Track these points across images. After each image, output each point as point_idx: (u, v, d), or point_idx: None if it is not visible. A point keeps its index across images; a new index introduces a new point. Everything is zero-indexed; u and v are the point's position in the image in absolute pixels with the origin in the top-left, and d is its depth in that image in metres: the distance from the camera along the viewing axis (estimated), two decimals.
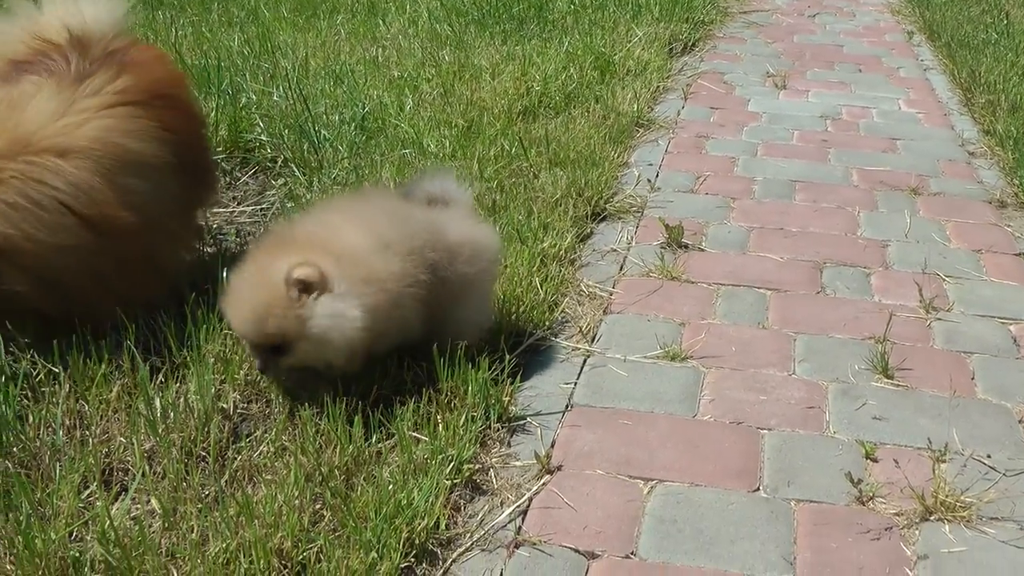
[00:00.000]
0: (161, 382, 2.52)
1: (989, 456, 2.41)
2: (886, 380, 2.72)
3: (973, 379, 2.76)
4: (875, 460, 2.38)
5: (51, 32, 2.81)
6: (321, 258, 2.31)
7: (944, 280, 3.34)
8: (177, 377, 2.55)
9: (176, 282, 2.85)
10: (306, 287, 2.27)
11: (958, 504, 2.21)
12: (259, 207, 3.75)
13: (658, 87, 5.43)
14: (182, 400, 2.41)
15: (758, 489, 2.28)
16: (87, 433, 2.32)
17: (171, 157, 2.70)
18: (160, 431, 2.30)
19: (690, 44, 6.56)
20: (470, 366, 2.50)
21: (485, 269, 2.67)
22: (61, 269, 2.47)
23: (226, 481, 2.20)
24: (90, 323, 2.55)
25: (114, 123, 2.60)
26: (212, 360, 2.56)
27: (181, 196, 2.78)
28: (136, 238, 2.58)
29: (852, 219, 3.81)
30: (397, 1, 7.15)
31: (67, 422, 2.35)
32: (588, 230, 3.59)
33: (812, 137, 4.82)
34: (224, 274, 2.78)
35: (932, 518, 2.19)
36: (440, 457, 2.24)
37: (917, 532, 2.16)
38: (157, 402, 2.38)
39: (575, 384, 2.67)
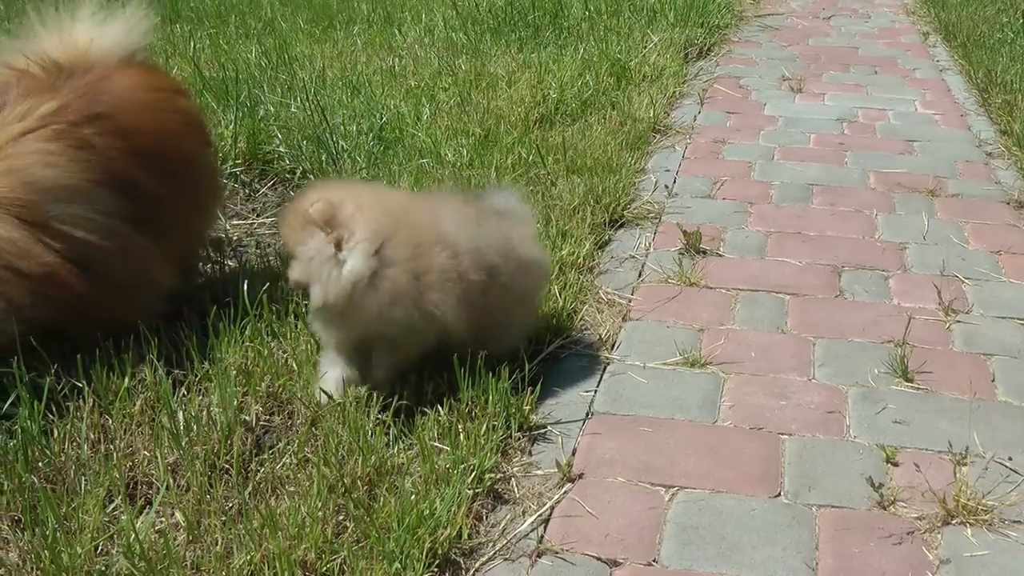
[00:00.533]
0: (184, 395, 2.54)
1: (1011, 459, 2.41)
2: (906, 384, 2.72)
3: (993, 381, 2.76)
4: (896, 464, 2.38)
5: (16, 58, 2.84)
6: (363, 211, 2.37)
7: (963, 282, 3.33)
8: (200, 390, 2.57)
9: (190, 293, 2.88)
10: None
11: (980, 507, 2.21)
12: (275, 219, 3.76)
13: (674, 92, 5.43)
14: (205, 413, 2.43)
15: (779, 495, 2.28)
16: (111, 447, 2.34)
17: (100, 175, 2.63)
18: (184, 444, 2.32)
19: (705, 49, 6.56)
20: (490, 375, 2.51)
21: (539, 285, 2.79)
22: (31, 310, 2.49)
23: (249, 493, 2.22)
24: (89, 337, 2.58)
25: (23, 150, 2.56)
26: (234, 372, 2.58)
27: (139, 212, 2.71)
28: (85, 266, 2.57)
29: (870, 222, 3.81)
30: (413, 10, 7.18)
31: (91, 436, 2.37)
32: (606, 237, 3.60)
33: (829, 140, 4.82)
34: (244, 286, 2.81)
35: (954, 522, 2.19)
36: (462, 467, 2.26)
37: (939, 536, 2.16)
38: (180, 415, 2.40)
39: (595, 392, 2.68)
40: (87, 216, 2.58)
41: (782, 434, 2.50)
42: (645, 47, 6.03)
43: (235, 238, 3.59)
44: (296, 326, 2.80)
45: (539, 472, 2.35)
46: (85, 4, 2.98)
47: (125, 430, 2.40)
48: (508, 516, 2.22)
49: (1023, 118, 4.87)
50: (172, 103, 2.98)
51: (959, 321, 3.08)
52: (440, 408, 2.48)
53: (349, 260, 2.34)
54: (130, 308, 2.68)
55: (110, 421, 2.42)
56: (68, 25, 2.93)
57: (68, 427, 2.37)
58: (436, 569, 2.02)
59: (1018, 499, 2.26)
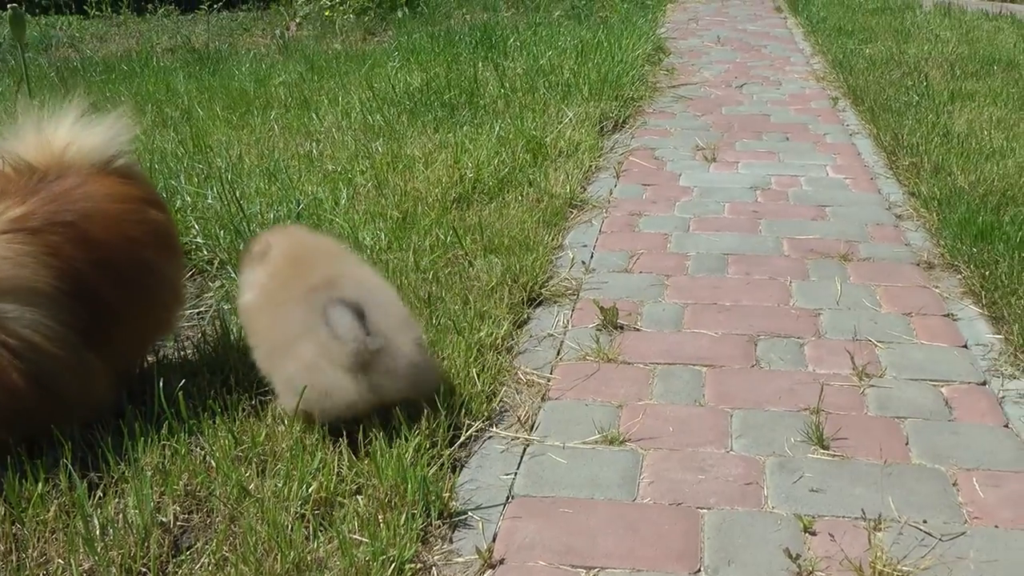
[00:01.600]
0: (100, 498, 2.51)
1: (925, 521, 2.44)
2: (822, 451, 2.76)
3: (907, 444, 2.80)
4: (813, 533, 2.41)
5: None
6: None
7: (876, 346, 3.39)
8: (116, 492, 2.54)
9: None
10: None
11: (896, 573, 2.24)
12: (196, 311, 3.75)
13: (590, 166, 5.51)
14: (121, 516, 2.40)
15: (699, 571, 2.29)
16: (24, 556, 2.30)
17: (61, 283, 2.61)
18: (99, 549, 2.28)
19: (620, 121, 6.67)
20: (408, 462, 2.51)
21: None
22: None
23: None
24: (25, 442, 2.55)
25: None
26: (150, 473, 2.55)
27: (94, 325, 2.68)
28: (32, 372, 2.54)
29: (784, 289, 3.88)
30: (330, 94, 7.23)
31: (2, 547, 2.32)
32: (524, 316, 3.62)
33: (743, 209, 4.90)
34: (160, 383, 2.79)
35: None
36: (382, 559, 2.25)
37: None
38: (96, 519, 2.37)
39: (515, 474, 2.68)
40: (44, 322, 2.56)
41: (701, 508, 2.52)
42: (560, 122, 6.12)
43: None
44: (214, 422, 2.78)
45: (460, 560, 2.34)
46: (71, 108, 2.99)
47: (38, 538, 2.36)
48: None
49: (929, 179, 5.01)
50: (141, 214, 2.94)
51: (873, 385, 3.13)
52: (359, 498, 2.47)
53: None
54: (62, 421, 2.63)
55: (23, 529, 2.38)
56: (48, 127, 2.94)
57: None
58: None
59: (932, 562, 2.29)
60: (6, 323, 2.51)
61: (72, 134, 2.94)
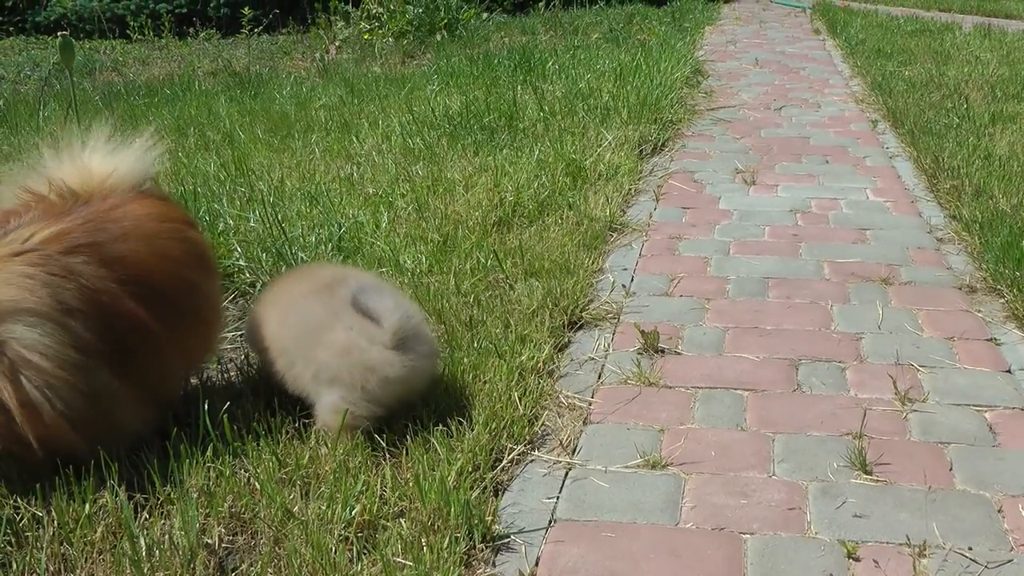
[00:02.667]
0: (146, 519, 2.54)
1: (970, 548, 2.43)
2: (865, 476, 2.75)
3: (951, 470, 2.79)
4: (857, 559, 2.40)
5: (39, 184, 2.88)
6: None
7: (918, 370, 3.38)
8: (162, 513, 2.56)
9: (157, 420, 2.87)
10: None
11: None
12: (240, 332, 3.77)
13: (630, 190, 5.52)
14: (167, 537, 2.42)
15: None
16: None
17: (78, 305, 2.60)
18: (146, 570, 2.31)
19: (659, 144, 6.68)
20: (451, 486, 2.53)
21: None
22: None
23: None
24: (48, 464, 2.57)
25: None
26: (196, 494, 2.58)
27: (121, 347, 2.68)
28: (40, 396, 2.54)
29: (825, 313, 3.87)
30: (370, 117, 7.28)
31: (51, 567, 2.35)
32: (565, 340, 3.63)
33: (783, 232, 4.90)
34: (205, 406, 2.82)
35: None
36: None
37: None
38: (142, 541, 2.39)
39: (557, 498, 2.69)
40: (44, 342, 2.54)
41: (744, 533, 2.52)
42: (600, 145, 6.14)
43: None
44: (258, 444, 2.80)
45: None
46: (97, 134, 3.03)
47: (86, 559, 2.39)
48: None
49: (970, 203, 4.98)
50: (180, 233, 2.96)
51: (915, 410, 3.12)
52: (402, 521, 2.49)
53: None
54: (84, 446, 2.62)
55: (71, 550, 2.41)
56: (81, 154, 2.98)
57: (27, 558, 2.36)
58: None
59: None
60: (12, 346, 2.51)
61: (106, 159, 2.98)
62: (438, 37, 11.99)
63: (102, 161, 2.97)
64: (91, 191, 2.89)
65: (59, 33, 4.88)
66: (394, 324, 2.76)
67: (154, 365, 2.82)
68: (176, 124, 7.28)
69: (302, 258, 4.22)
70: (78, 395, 2.58)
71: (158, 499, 2.61)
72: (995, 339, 3.61)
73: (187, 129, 7.08)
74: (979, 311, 3.86)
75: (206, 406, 2.82)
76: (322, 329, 2.84)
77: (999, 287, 4.01)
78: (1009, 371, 3.37)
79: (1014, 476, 2.74)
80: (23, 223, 2.70)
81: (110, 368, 2.65)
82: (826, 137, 7.04)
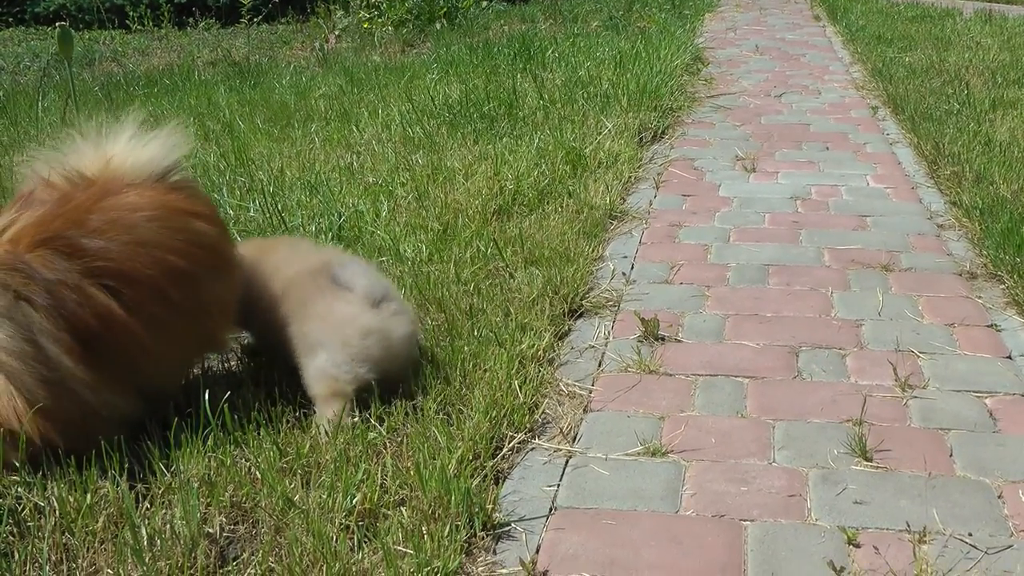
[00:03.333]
0: (147, 508, 2.54)
1: (970, 534, 2.43)
2: (865, 463, 2.75)
3: (951, 456, 2.79)
4: (857, 546, 2.40)
5: (52, 173, 2.89)
6: None
7: (919, 357, 3.38)
8: (163, 503, 2.57)
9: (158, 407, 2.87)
10: None
11: None
12: None
13: (629, 178, 5.51)
14: (168, 527, 2.43)
15: None
16: (74, 566, 2.33)
17: (40, 298, 2.61)
18: (147, 560, 2.31)
19: (659, 132, 6.67)
20: (452, 474, 2.53)
21: None
22: None
23: None
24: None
25: None
26: (197, 484, 2.58)
27: (94, 338, 2.67)
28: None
29: (826, 300, 3.87)
30: (370, 106, 7.27)
31: (53, 557, 2.36)
32: (566, 328, 3.63)
33: (783, 219, 4.89)
34: (206, 395, 2.82)
35: None
36: (426, 570, 2.26)
37: None
38: (143, 530, 2.39)
39: (558, 486, 2.69)
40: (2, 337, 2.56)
41: (744, 520, 2.52)
42: (600, 133, 6.13)
43: None
44: (259, 433, 2.81)
45: (503, 571, 2.36)
46: (127, 121, 3.03)
47: (88, 548, 2.39)
48: None
49: (971, 189, 4.98)
50: (180, 223, 2.93)
51: (916, 397, 3.12)
52: (403, 510, 2.49)
53: None
54: (66, 438, 2.62)
55: (72, 539, 2.41)
56: (105, 140, 2.99)
57: (29, 548, 2.36)
58: None
59: (978, 575, 2.28)
60: None
61: (127, 148, 2.98)
62: (437, 26, 11.97)
63: (123, 149, 2.97)
64: (101, 176, 2.88)
65: (58, 24, 4.88)
66: (365, 286, 2.99)
67: (133, 354, 2.78)
68: (176, 114, 7.26)
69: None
70: (40, 383, 2.57)
71: (159, 489, 2.61)
72: (995, 325, 3.61)
73: (187, 119, 7.06)
74: (979, 297, 3.86)
75: (207, 395, 2.82)
76: (308, 303, 3.03)
77: (1000, 273, 4.01)
78: (1010, 357, 3.37)
79: (1014, 462, 2.74)
80: (18, 207, 2.73)
81: (74, 356, 2.64)
82: (826, 124, 7.03)
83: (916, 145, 6.16)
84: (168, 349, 2.92)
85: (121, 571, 2.29)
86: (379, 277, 3.17)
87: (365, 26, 11.97)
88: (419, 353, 3.21)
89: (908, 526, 2.46)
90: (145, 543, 2.36)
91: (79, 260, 2.68)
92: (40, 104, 7.73)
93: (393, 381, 3.02)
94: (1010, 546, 2.39)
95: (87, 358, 2.66)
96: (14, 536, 2.41)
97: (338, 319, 2.96)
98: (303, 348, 2.99)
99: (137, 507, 2.51)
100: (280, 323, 3.07)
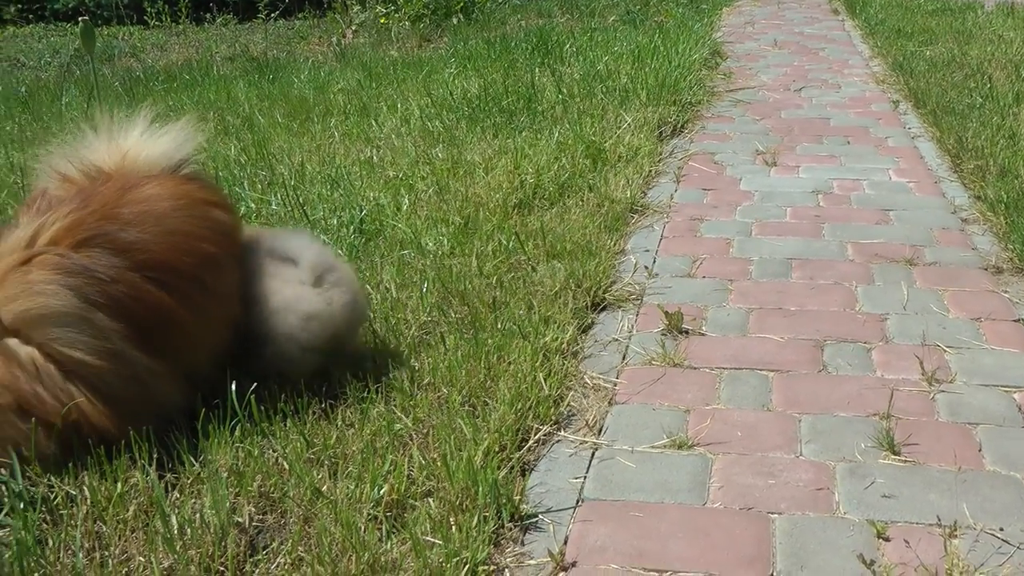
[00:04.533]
0: (177, 498, 2.55)
1: (1001, 529, 2.42)
2: (893, 457, 2.74)
3: (980, 451, 2.78)
4: (887, 539, 2.40)
5: (71, 163, 2.91)
6: None
7: (945, 351, 3.36)
8: (192, 492, 2.57)
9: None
10: None
11: None
12: None
13: (650, 171, 5.50)
14: (198, 516, 2.43)
15: (772, 575, 2.29)
16: (106, 554, 2.34)
17: (101, 298, 2.65)
18: (178, 548, 2.32)
19: (679, 126, 6.65)
20: (479, 465, 2.54)
21: None
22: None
23: None
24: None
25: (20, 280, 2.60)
26: (225, 474, 2.59)
27: (145, 329, 2.72)
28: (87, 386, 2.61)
29: (850, 294, 3.85)
30: (388, 100, 7.27)
31: (86, 544, 2.37)
32: (589, 321, 3.63)
33: (805, 213, 4.88)
34: (233, 387, 2.83)
35: None
36: (455, 560, 2.26)
37: None
38: (174, 519, 2.40)
39: (584, 478, 2.69)
40: (81, 339, 2.59)
41: (772, 513, 2.52)
42: (619, 127, 6.12)
43: None
44: (285, 424, 2.81)
45: (532, 562, 2.36)
46: (140, 116, 3.07)
47: (120, 536, 2.40)
48: None
49: (995, 183, 4.95)
50: (201, 211, 2.97)
51: (943, 391, 3.11)
52: (430, 501, 2.49)
53: None
54: (125, 425, 2.66)
55: (104, 528, 2.42)
56: (118, 134, 3.02)
57: (63, 535, 2.37)
58: None
59: (1011, 571, 2.27)
60: (47, 348, 2.57)
61: (141, 141, 3.01)
62: (454, 20, 11.96)
63: (136, 143, 2.99)
64: (117, 170, 2.91)
65: (80, 19, 4.89)
66: (306, 260, 3.06)
67: (182, 341, 2.85)
68: (196, 109, 7.28)
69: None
70: (122, 380, 2.64)
71: (188, 479, 2.62)
72: (1022, 320, 3.59)
73: (206, 114, 7.08)
74: (1005, 292, 3.84)
75: (233, 386, 2.83)
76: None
77: None
78: None
79: None
80: (33, 215, 2.74)
81: (144, 351, 2.70)
82: (847, 118, 7.00)
83: (939, 139, 6.13)
84: (205, 335, 2.97)
85: (153, 559, 2.29)
86: (319, 245, 3.21)
87: (382, 21, 11.97)
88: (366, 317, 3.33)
89: (939, 520, 2.44)
90: (176, 532, 2.37)
91: (125, 255, 2.71)
92: (63, 99, 7.76)
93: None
94: None
95: (150, 350, 2.72)
96: (47, 524, 2.43)
97: (280, 297, 3.02)
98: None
99: (167, 497, 2.52)
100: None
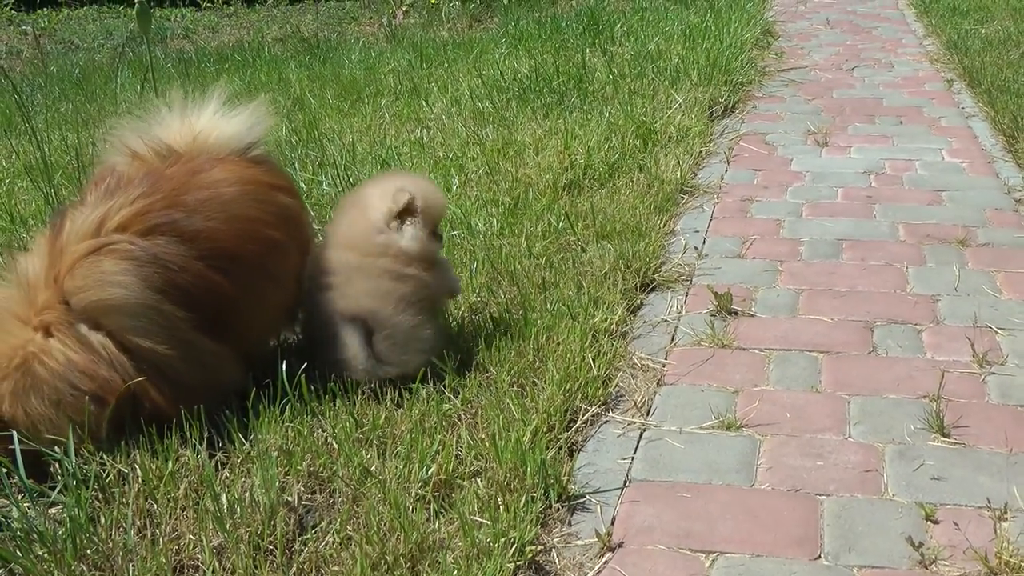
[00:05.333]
0: (227, 477, 2.58)
1: None
2: (943, 439, 2.73)
3: None
4: (935, 522, 2.39)
5: (140, 145, 2.95)
6: None
7: (996, 332, 3.33)
8: (242, 471, 2.61)
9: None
10: None
11: (1023, 564, 2.21)
12: None
13: (700, 152, 5.48)
14: (248, 495, 2.46)
15: (819, 557, 2.29)
16: (157, 532, 2.38)
17: (166, 285, 2.68)
18: (228, 527, 2.35)
19: (730, 106, 6.62)
20: (527, 446, 2.55)
21: None
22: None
23: (294, 574, 2.25)
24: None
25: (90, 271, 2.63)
26: (275, 453, 2.62)
27: (211, 315, 2.76)
28: (157, 373, 2.66)
29: (901, 275, 3.82)
30: (439, 81, 7.29)
31: (137, 522, 2.41)
32: (638, 301, 3.63)
33: (856, 194, 4.84)
34: (283, 366, 2.85)
35: None
36: (503, 540, 2.28)
37: None
38: (224, 498, 2.44)
39: (632, 459, 2.70)
40: (151, 328, 2.64)
41: (820, 495, 2.51)
42: (670, 108, 6.09)
43: None
44: (335, 404, 2.84)
45: (579, 542, 2.37)
46: (214, 96, 3.09)
47: (170, 514, 2.44)
48: None
49: None
50: (266, 196, 2.99)
51: (994, 373, 3.08)
52: (478, 481, 2.51)
53: None
54: (187, 408, 2.70)
55: (155, 506, 2.46)
56: (191, 114, 3.05)
57: (114, 513, 2.41)
58: None
59: None
60: (117, 335, 2.61)
61: (213, 121, 3.03)
62: (505, 1, 11.94)
63: (208, 122, 3.02)
64: (188, 151, 2.94)
65: (136, 1, 4.94)
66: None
67: (244, 325, 2.90)
68: (247, 89, 7.33)
69: None
70: (189, 365, 2.70)
71: (238, 458, 2.65)
72: None
73: (257, 94, 7.11)
74: None
75: (284, 366, 2.86)
76: None
77: None
78: None
79: None
80: (101, 195, 2.76)
81: (208, 336, 2.74)
82: (900, 97, 6.92)
83: (993, 119, 6.05)
84: (264, 320, 3.03)
85: (203, 537, 2.33)
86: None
87: (432, 2, 11.97)
88: None
89: (988, 502, 2.43)
90: (225, 510, 2.40)
91: (192, 244, 2.74)
92: (116, 80, 7.84)
93: None
94: None
95: (215, 335, 2.77)
96: (99, 501, 2.47)
97: None
98: None
99: (217, 475, 2.55)
100: None
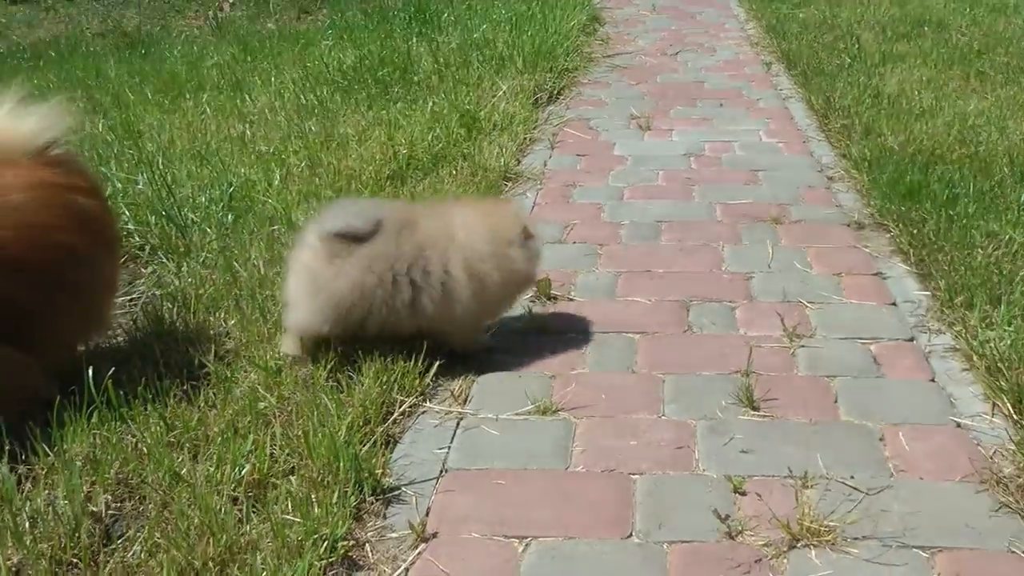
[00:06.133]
0: (29, 490, 2.49)
1: (852, 477, 2.49)
2: (753, 412, 2.79)
3: (836, 402, 2.84)
4: (743, 494, 2.44)
5: None
6: None
7: (807, 306, 3.43)
8: (46, 483, 2.51)
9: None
10: None
11: (822, 528, 2.28)
12: (129, 297, 3.71)
13: (525, 139, 5.50)
14: (51, 507, 2.38)
15: (631, 535, 2.32)
16: None
17: None
18: (28, 542, 2.27)
19: (555, 93, 6.66)
20: (342, 441, 2.52)
21: None
22: None
23: None
24: None
25: None
26: (80, 462, 2.53)
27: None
28: None
29: (717, 255, 3.90)
30: (263, 75, 7.16)
31: None
32: None
33: (677, 176, 4.92)
34: (90, 372, 2.76)
35: (799, 545, 2.26)
36: (314, 537, 2.25)
37: (785, 561, 2.22)
38: (24, 512, 2.35)
39: (448, 448, 2.69)
40: None
41: (633, 474, 2.54)
42: (495, 96, 6.10)
43: None
44: (145, 408, 2.76)
45: (394, 535, 2.35)
46: (6, 96, 2.92)
47: None
48: None
49: (860, 141, 5.05)
50: (60, 200, 2.85)
51: (803, 346, 3.17)
52: (292, 479, 2.47)
53: None
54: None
55: None
56: None
57: None
58: None
59: (859, 516, 2.33)
60: None
61: (4, 121, 2.89)
62: None
63: (1, 121, 2.88)
64: None
65: None
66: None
67: (44, 334, 2.77)
68: (62, 87, 7.08)
69: (191, 219, 4.15)
70: None
71: (42, 469, 2.55)
72: (881, 273, 3.68)
73: (74, 92, 6.89)
74: (866, 246, 3.93)
75: (90, 372, 2.76)
76: None
77: (886, 222, 4.08)
78: (894, 304, 3.44)
79: (895, 405, 2.80)
80: None
81: (3, 345, 2.63)
82: (721, 81, 7.08)
83: (808, 100, 6.24)
84: (67, 328, 2.90)
85: (0, 555, 2.24)
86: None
87: None
88: None
89: (791, 472, 2.50)
90: (27, 525, 2.31)
91: None
92: None
93: None
94: (889, 486, 2.45)
95: (10, 346, 2.66)
96: None
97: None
98: None
99: (19, 489, 2.45)
100: None
